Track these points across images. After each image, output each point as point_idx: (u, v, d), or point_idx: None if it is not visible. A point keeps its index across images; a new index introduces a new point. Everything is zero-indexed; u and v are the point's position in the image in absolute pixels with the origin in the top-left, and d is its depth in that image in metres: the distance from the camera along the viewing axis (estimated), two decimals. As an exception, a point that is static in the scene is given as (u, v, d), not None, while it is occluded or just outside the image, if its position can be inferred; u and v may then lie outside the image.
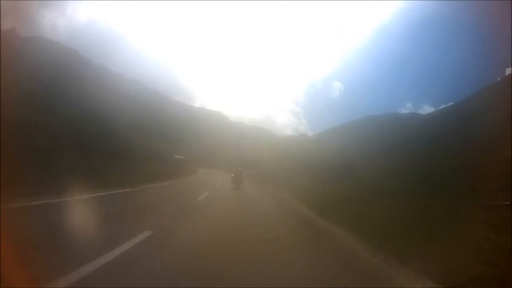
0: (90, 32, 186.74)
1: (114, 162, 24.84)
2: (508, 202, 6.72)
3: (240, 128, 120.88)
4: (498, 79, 31.11)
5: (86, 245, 4.31)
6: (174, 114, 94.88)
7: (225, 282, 3.43)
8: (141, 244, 4.65)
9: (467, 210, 7.25)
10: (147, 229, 5.41)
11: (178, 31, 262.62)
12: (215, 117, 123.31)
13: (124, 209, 8.53)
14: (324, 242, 6.14)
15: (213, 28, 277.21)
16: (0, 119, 13.83)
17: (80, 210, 7.73)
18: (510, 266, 3.64)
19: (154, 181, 20.05)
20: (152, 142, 55.47)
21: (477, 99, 27.94)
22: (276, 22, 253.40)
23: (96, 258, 3.70)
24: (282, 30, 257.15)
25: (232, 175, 22.47)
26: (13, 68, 30.95)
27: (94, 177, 13.24)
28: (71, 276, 3.17)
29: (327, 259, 4.65)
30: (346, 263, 4.58)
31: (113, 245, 4.26)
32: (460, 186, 10.34)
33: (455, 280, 3.48)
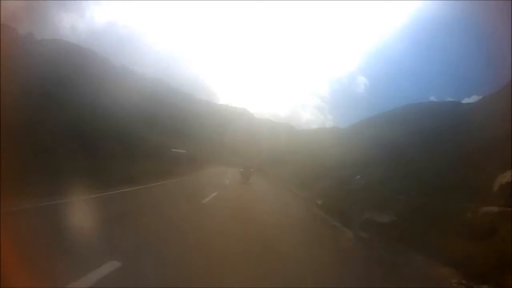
0: (111, 34, 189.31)
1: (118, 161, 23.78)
2: None
3: (265, 125, 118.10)
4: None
5: (198, 196, 12.47)
6: (197, 112, 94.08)
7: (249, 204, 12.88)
8: (218, 194, 13.72)
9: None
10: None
11: (200, 30, 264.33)
12: (240, 114, 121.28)
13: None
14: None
15: (236, 25, 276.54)
16: (0, 120, 13.79)
17: (173, 188, 16.56)
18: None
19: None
20: (172, 140, 54.30)
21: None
22: (299, 18, 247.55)
23: (207, 197, 12.32)
24: (305, 26, 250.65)
25: (241, 169, 24.82)
26: (22, 69, 30.38)
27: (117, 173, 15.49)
28: (205, 200, 11.65)
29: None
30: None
31: (208, 195, 12.93)
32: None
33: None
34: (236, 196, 15.02)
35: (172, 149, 32.30)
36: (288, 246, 6.29)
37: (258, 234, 7.09)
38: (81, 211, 7.10)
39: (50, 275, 3.34)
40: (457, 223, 6.88)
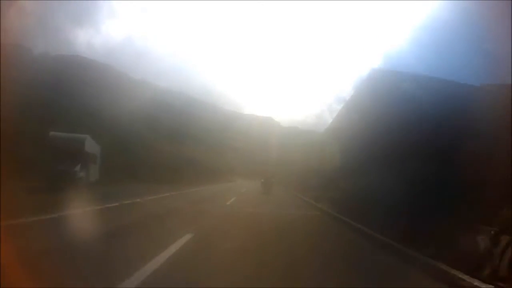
0: (129, 48, 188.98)
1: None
2: None
3: (292, 133, 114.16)
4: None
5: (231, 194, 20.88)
6: (222, 123, 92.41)
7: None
8: (248, 189, 27.33)
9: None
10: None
11: (222, 41, 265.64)
12: (266, 123, 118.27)
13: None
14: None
15: (258, 34, 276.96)
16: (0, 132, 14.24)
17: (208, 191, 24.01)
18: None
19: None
20: (196, 152, 52.21)
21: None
22: (320, 24, 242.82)
23: (239, 193, 22.76)
24: (325, 29, 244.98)
25: (262, 180, 24.43)
26: (33, 83, 29.26)
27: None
28: (241, 191, 25.76)
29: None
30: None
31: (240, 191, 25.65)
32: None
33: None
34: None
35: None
36: None
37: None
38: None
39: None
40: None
